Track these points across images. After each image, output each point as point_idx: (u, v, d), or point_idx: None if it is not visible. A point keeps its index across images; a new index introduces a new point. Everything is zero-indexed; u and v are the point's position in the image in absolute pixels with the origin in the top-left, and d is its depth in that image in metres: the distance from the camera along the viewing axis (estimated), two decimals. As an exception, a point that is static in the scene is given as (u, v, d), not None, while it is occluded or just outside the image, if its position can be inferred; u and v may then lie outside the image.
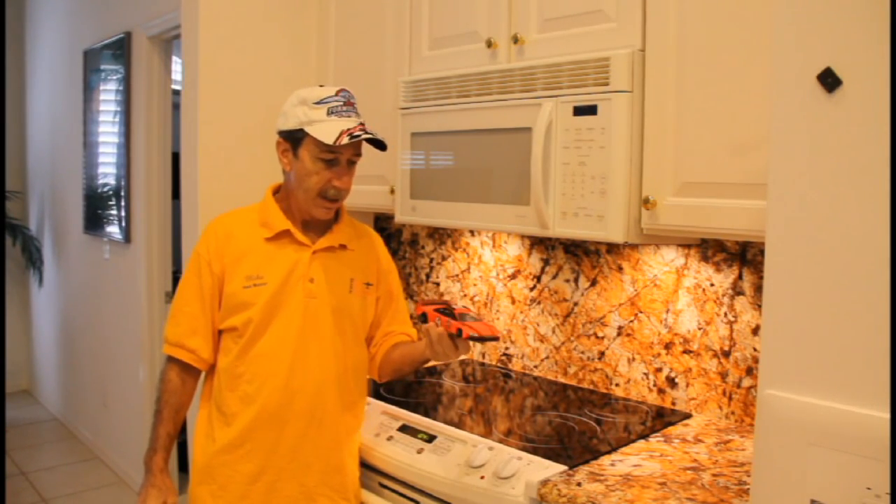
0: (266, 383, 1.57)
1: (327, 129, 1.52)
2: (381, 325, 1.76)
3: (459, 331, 1.44)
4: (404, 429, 1.75)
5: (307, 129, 1.54)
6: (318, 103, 1.55)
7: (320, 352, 1.61)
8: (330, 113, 1.54)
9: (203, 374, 1.67)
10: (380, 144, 1.59)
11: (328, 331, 1.62)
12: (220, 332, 1.63)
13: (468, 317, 1.48)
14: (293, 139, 1.58)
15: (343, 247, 1.68)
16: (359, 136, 1.53)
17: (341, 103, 1.56)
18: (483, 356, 2.38)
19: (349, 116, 1.56)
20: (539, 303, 2.20)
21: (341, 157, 1.57)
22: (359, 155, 1.61)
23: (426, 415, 1.80)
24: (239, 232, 1.63)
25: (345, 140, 1.51)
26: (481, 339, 1.43)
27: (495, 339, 1.44)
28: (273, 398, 1.57)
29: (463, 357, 2.43)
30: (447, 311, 1.51)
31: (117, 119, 3.71)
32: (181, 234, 2.43)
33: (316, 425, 1.61)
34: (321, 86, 1.62)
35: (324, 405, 1.62)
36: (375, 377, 1.79)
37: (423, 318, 1.53)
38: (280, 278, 1.58)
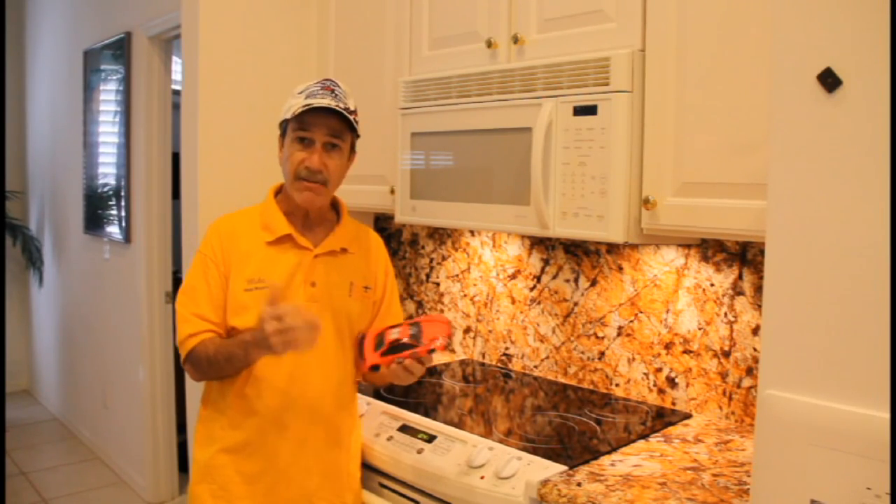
0: (267, 387, 1.57)
1: (294, 106, 1.56)
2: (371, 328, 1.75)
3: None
4: (404, 429, 1.75)
5: (286, 115, 1.58)
6: (300, 92, 1.59)
7: (321, 355, 1.60)
8: (307, 97, 1.57)
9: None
10: (344, 118, 1.56)
11: (328, 334, 1.61)
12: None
13: (401, 342, 1.51)
14: (282, 130, 1.63)
15: (344, 250, 1.67)
16: (310, 104, 1.53)
17: (318, 88, 1.59)
18: (483, 356, 2.38)
19: (322, 98, 1.57)
20: (539, 303, 2.20)
21: (314, 137, 1.57)
22: (336, 137, 1.58)
23: (426, 415, 1.80)
24: (242, 233, 1.62)
25: (300, 109, 1.53)
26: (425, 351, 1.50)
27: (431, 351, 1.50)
28: (274, 402, 1.57)
29: (462, 357, 2.43)
30: (392, 348, 1.53)
31: (117, 119, 3.71)
32: (181, 234, 2.43)
33: (316, 428, 1.61)
34: None
35: (324, 408, 1.61)
36: (360, 379, 1.79)
37: (376, 367, 1.55)
38: (281, 282, 1.58)
